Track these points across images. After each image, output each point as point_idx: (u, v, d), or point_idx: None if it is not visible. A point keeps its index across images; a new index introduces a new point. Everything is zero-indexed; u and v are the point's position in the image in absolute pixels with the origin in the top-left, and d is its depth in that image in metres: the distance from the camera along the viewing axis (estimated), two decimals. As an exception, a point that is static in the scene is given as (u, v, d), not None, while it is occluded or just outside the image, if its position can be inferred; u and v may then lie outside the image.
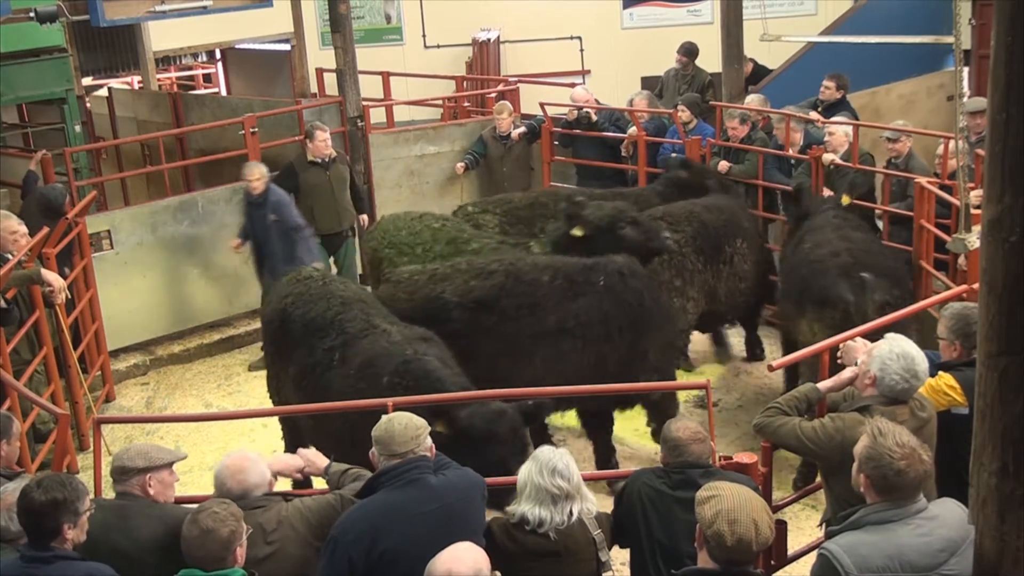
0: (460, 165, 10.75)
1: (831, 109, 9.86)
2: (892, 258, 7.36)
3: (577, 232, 7.26)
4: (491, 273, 6.78)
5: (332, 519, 4.12)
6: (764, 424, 4.58)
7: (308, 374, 6.10)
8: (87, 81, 13.69)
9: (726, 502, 3.41)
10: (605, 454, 7.00)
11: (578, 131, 10.49)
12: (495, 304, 6.64)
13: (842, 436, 4.20)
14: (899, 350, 4.34)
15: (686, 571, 3.54)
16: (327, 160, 9.50)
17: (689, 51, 11.44)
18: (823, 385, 4.76)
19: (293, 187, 9.41)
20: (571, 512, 4.01)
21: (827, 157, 8.63)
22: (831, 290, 6.66)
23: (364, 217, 10.04)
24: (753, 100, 9.77)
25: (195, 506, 3.85)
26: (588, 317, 6.64)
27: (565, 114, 10.66)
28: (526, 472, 4.07)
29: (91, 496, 4.36)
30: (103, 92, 13.86)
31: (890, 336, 4.50)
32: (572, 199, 7.88)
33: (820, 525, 4.89)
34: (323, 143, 9.43)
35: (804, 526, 6.05)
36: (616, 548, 4.31)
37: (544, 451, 4.11)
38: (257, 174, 8.81)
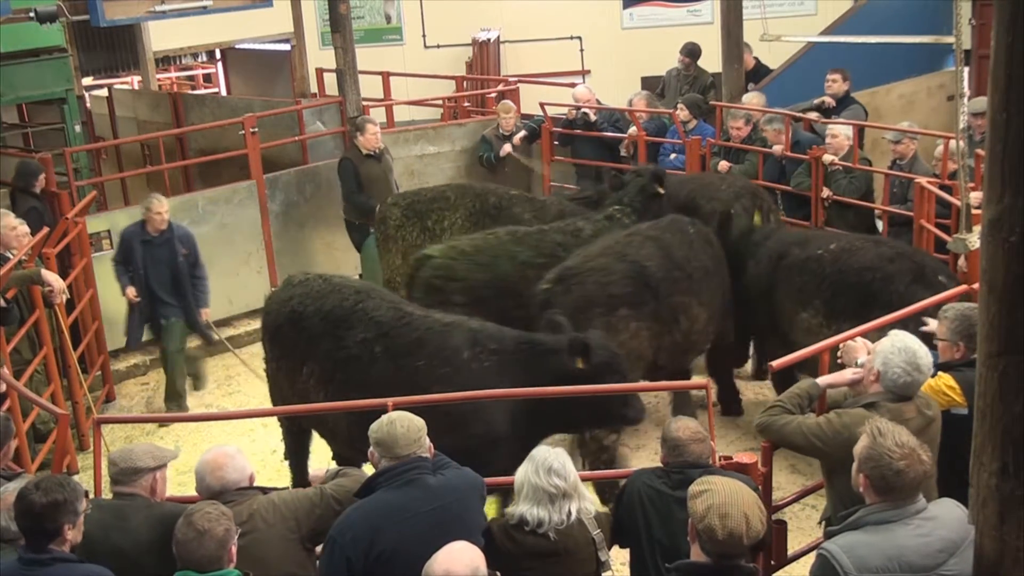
0: (507, 148, 10.58)
1: (838, 106, 9.84)
2: (929, 255, 7.17)
3: (661, 190, 7.93)
4: (642, 244, 7.02)
5: (309, 512, 4.14)
6: (768, 423, 4.57)
7: (341, 368, 5.93)
8: (87, 81, 13.68)
9: (717, 496, 3.43)
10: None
11: (577, 131, 10.50)
12: (674, 262, 6.99)
13: (849, 432, 4.16)
14: (900, 344, 4.37)
15: (679, 564, 3.57)
16: (378, 152, 9.68)
17: (691, 52, 11.43)
18: (823, 381, 4.76)
19: (356, 181, 9.56)
20: (569, 512, 4.01)
21: (827, 157, 8.65)
22: (914, 297, 6.13)
23: None
24: (752, 98, 9.77)
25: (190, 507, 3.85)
26: (707, 258, 7.23)
27: (565, 114, 10.66)
28: (523, 472, 4.07)
29: (91, 496, 4.37)
30: (102, 92, 13.87)
31: (893, 332, 4.52)
32: (495, 192, 8.68)
33: (820, 523, 4.88)
34: (374, 136, 9.61)
35: (804, 526, 6.05)
36: (616, 548, 4.31)
37: (540, 451, 4.11)
38: (166, 207, 8.18)
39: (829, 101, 9.90)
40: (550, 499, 3.99)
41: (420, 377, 5.62)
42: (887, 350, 4.38)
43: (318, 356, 6.06)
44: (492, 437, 5.36)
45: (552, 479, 3.98)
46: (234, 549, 3.73)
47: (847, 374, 4.69)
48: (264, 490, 4.26)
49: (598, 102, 10.65)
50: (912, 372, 4.32)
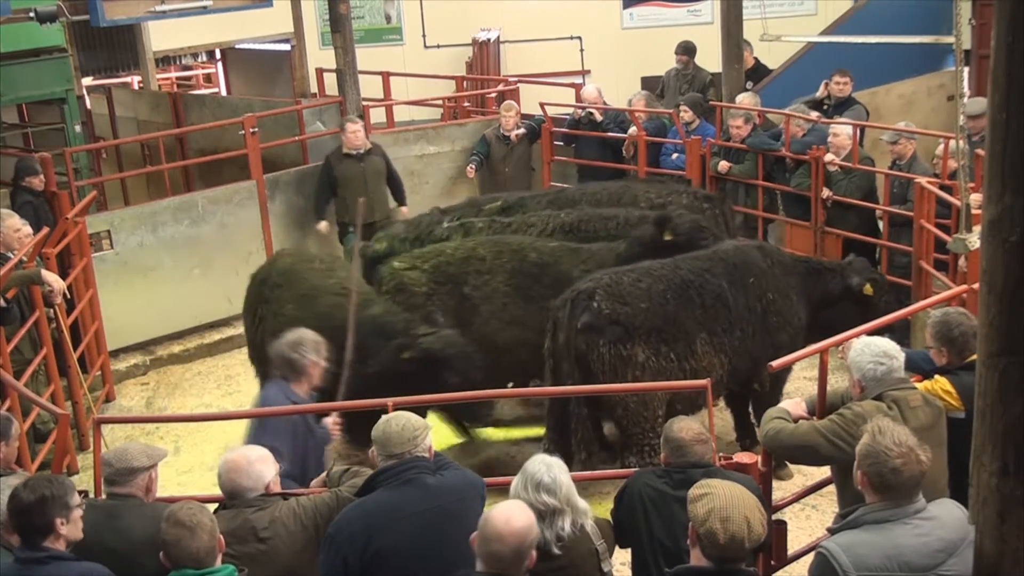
0: (470, 168, 10.66)
1: (840, 107, 9.84)
2: None
3: None
4: None
5: (328, 516, 4.13)
6: (775, 432, 4.52)
7: (740, 332, 6.55)
8: (87, 81, 13.67)
9: (718, 500, 3.40)
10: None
11: (580, 131, 10.50)
12: None
13: (864, 421, 4.03)
14: (860, 346, 4.50)
15: (679, 569, 3.54)
16: (361, 152, 9.75)
17: (687, 49, 11.44)
18: (788, 405, 4.84)
19: (330, 179, 9.80)
20: (563, 527, 3.85)
21: (828, 157, 8.63)
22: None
23: (405, 209, 10.04)
24: (745, 98, 9.76)
25: None
26: None
27: (571, 114, 10.66)
28: (514, 487, 3.92)
29: (90, 495, 4.36)
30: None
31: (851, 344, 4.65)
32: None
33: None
34: (353, 135, 9.72)
35: (804, 526, 6.05)
36: (616, 548, 4.29)
37: (533, 463, 3.94)
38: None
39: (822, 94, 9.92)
40: (540, 516, 3.78)
41: (756, 288, 6.68)
42: (853, 359, 4.49)
43: (713, 323, 6.53)
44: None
45: (542, 496, 3.82)
46: (222, 539, 3.74)
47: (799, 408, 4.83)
48: (285, 496, 4.27)
49: (605, 104, 10.65)
50: (883, 359, 4.38)
